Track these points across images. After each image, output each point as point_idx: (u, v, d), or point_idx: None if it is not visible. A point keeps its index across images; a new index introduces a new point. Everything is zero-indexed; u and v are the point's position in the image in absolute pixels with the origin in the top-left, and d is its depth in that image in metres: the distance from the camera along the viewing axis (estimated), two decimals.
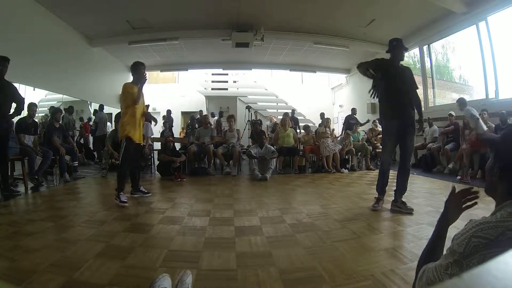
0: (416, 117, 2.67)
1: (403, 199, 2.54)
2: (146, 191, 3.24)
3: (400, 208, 2.49)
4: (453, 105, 6.00)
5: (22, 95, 3.48)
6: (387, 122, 2.60)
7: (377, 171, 2.88)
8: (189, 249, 1.72)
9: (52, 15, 5.38)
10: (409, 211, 2.42)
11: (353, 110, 7.29)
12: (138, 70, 3.05)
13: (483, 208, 0.96)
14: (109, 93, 7.93)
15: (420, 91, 6.71)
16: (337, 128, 9.46)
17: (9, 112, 3.16)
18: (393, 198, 2.60)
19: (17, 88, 3.41)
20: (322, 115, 7.84)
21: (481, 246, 0.52)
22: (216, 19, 5.94)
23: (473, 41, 5.21)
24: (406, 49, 2.67)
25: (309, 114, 10.26)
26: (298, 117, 8.87)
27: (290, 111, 8.17)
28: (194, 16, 5.81)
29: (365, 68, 2.51)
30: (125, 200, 2.79)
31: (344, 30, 6.43)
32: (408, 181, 2.59)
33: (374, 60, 2.61)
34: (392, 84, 2.52)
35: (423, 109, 6.97)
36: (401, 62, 2.67)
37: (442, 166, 5.07)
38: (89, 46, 6.83)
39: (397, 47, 2.58)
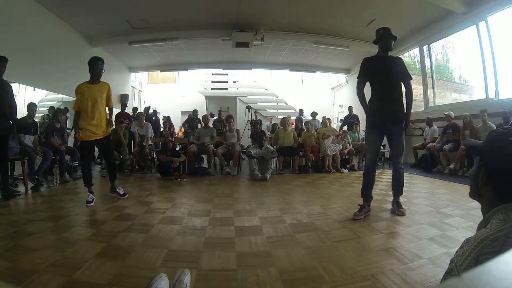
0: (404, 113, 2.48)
1: (402, 199, 2.52)
2: (123, 192, 3.10)
3: (393, 207, 2.46)
4: (453, 105, 6.02)
5: (21, 95, 3.45)
6: (372, 120, 2.44)
7: (377, 171, 2.84)
8: (189, 249, 1.72)
9: (52, 15, 5.37)
10: (401, 213, 2.37)
11: (350, 109, 7.31)
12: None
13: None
14: None
15: (420, 91, 6.79)
16: (337, 128, 9.46)
17: (7, 112, 3.09)
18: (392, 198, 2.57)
19: (17, 88, 3.36)
20: (314, 114, 7.87)
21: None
22: (216, 19, 5.94)
23: (473, 41, 5.21)
24: (395, 38, 2.45)
25: (309, 114, 10.28)
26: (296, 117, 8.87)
27: (297, 111, 8.17)
28: (194, 16, 5.81)
29: (360, 91, 2.46)
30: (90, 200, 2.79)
31: (344, 30, 6.43)
32: (409, 181, 2.56)
33: (360, 65, 2.51)
34: (380, 80, 2.40)
35: (423, 109, 7.00)
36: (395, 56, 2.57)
37: (442, 166, 5.07)
38: (89, 46, 6.82)
39: (384, 36, 2.42)
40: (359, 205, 2.42)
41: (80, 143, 3.02)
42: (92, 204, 2.74)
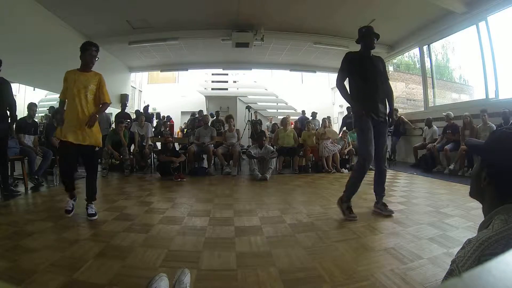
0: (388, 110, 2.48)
1: (402, 199, 2.52)
2: (94, 211, 2.35)
3: (381, 210, 2.42)
4: (453, 105, 6.02)
5: (21, 95, 3.44)
6: (361, 120, 2.37)
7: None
8: (189, 249, 1.72)
9: (52, 15, 5.37)
10: (390, 212, 2.36)
11: (348, 109, 7.32)
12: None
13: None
14: (110, 93, 7.86)
15: (420, 91, 6.77)
16: (337, 128, 9.47)
17: (5, 112, 3.09)
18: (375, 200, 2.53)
19: (17, 88, 3.34)
20: (314, 114, 7.89)
21: None
22: (216, 19, 5.94)
23: (473, 41, 5.21)
24: (378, 36, 2.41)
25: (309, 114, 10.28)
26: (297, 117, 8.87)
27: (297, 110, 8.20)
28: (194, 16, 5.81)
29: (341, 83, 2.42)
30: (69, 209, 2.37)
31: (344, 30, 6.42)
32: (409, 181, 2.56)
33: (343, 58, 2.46)
34: (364, 78, 2.37)
35: (423, 109, 6.98)
36: (381, 55, 2.54)
37: (442, 166, 5.07)
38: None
39: (366, 35, 2.39)
40: (347, 208, 2.34)
41: (59, 142, 2.49)
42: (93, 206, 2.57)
